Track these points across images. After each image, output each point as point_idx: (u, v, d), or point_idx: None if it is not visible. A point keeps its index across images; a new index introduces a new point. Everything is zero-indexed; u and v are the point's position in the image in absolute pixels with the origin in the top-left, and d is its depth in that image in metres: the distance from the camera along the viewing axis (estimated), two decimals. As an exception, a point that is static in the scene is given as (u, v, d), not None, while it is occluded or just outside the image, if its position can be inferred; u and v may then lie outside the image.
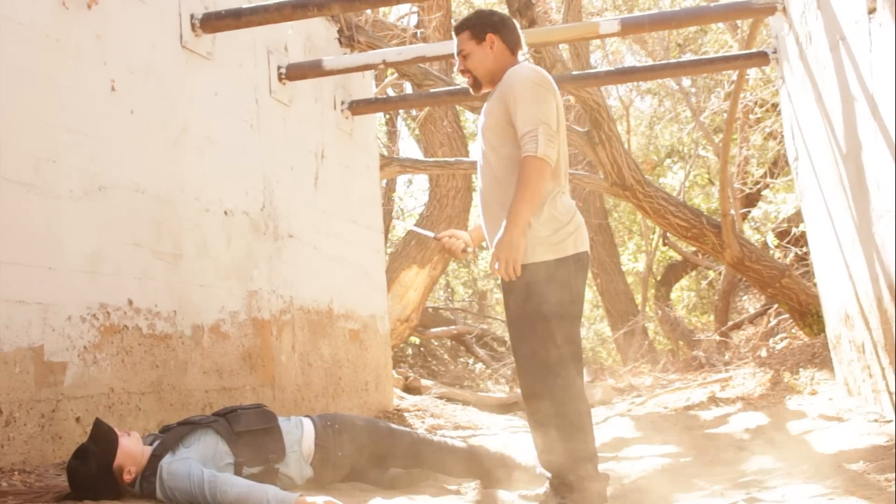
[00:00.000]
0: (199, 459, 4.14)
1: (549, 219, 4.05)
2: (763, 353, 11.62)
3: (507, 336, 15.90)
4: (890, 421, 5.57)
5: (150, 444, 4.30)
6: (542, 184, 3.96)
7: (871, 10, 4.89)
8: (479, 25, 4.32)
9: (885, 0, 4.66)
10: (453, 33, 4.42)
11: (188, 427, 4.34)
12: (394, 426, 4.96)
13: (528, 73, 4.13)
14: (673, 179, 18.37)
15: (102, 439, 4.06)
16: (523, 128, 4.00)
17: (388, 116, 15.48)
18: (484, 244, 4.41)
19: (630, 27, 7.51)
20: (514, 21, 4.41)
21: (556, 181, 4.12)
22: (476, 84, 4.37)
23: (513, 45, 4.33)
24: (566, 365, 3.97)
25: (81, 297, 5.07)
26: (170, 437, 4.27)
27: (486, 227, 4.23)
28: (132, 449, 4.15)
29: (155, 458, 4.16)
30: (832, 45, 5.83)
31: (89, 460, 4.00)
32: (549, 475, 4.11)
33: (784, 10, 7.17)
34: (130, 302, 5.44)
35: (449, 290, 20.16)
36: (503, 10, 15.56)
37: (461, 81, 16.50)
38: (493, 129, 4.19)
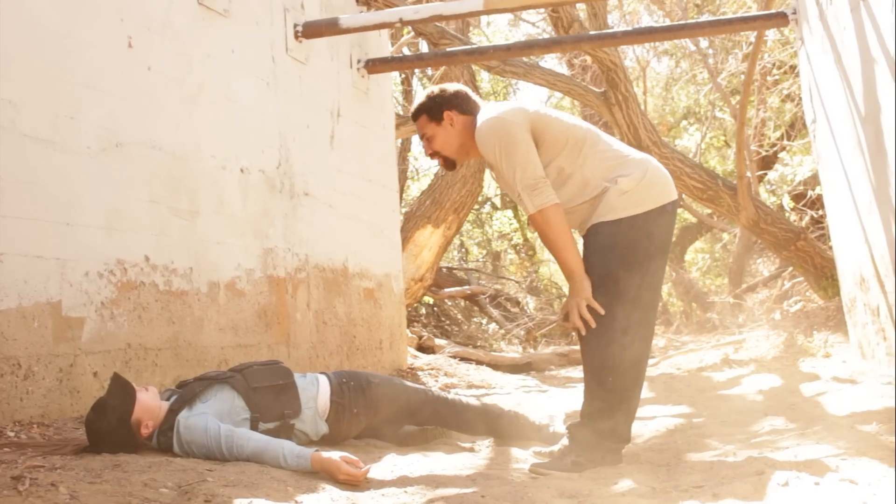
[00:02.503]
0: (216, 414, 4.18)
1: (626, 173, 4.09)
2: (777, 315, 11.63)
3: (519, 296, 15.91)
4: (903, 384, 5.58)
5: (168, 399, 4.34)
6: (556, 227, 4.02)
7: (893, -29, 4.85)
8: (434, 107, 4.34)
9: (908, -40, 4.62)
10: (412, 120, 4.44)
11: (205, 382, 4.38)
12: (408, 383, 5.00)
13: (486, 133, 4.14)
14: (689, 141, 18.30)
15: (120, 394, 4.10)
16: (510, 191, 4.12)
17: (403, 76, 15.43)
18: None
19: (648, -13, 7.46)
20: (465, 88, 4.40)
21: (578, 156, 4.15)
22: (448, 164, 4.41)
23: (470, 110, 4.34)
24: (628, 332, 4.01)
25: (99, 253, 5.09)
26: (187, 392, 4.30)
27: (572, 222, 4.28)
28: (150, 403, 4.19)
29: (172, 412, 4.19)
30: (853, 5, 5.78)
31: (107, 414, 4.04)
32: (572, 424, 4.15)
33: (804, -30, 7.11)
34: (147, 258, 5.47)
35: (463, 250, 20.16)
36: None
37: (478, 41, 16.40)
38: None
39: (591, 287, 4.02)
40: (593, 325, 3.99)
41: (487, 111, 4.23)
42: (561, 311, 4.15)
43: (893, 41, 5.04)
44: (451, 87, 4.43)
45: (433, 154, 4.39)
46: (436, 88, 4.42)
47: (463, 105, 4.35)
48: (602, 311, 3.97)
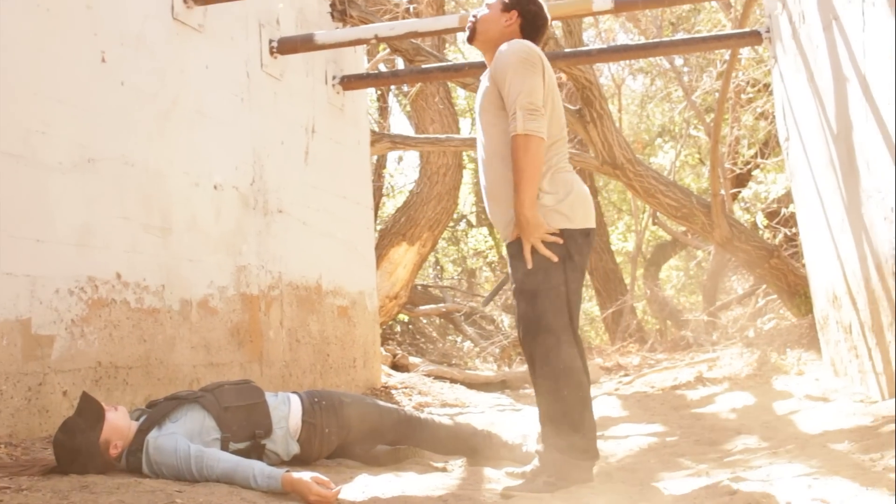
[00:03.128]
0: (186, 434, 4.14)
1: (551, 190, 4.08)
2: (751, 333, 11.65)
3: (495, 314, 15.88)
4: (875, 402, 5.59)
5: (137, 419, 4.29)
6: (532, 157, 3.98)
7: (865, -9, 4.88)
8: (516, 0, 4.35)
9: (879, -19, 4.65)
10: None
11: (175, 402, 4.34)
12: (381, 403, 4.97)
13: (514, 49, 4.16)
14: (664, 159, 18.38)
15: (89, 413, 4.05)
16: (510, 107, 4.04)
17: (379, 92, 15.43)
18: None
19: (623, 4, 7.49)
20: (546, 21, 4.41)
21: (548, 158, 4.13)
22: (472, 36, 4.41)
23: (528, 34, 4.35)
24: (567, 341, 4.03)
25: (70, 270, 5.05)
26: (156, 412, 4.26)
27: (488, 203, 4.26)
28: (119, 423, 4.14)
29: (141, 432, 4.15)
30: (825, 24, 5.82)
31: (76, 434, 3.99)
32: (538, 450, 4.14)
33: (777, -11, 7.16)
34: (119, 275, 5.43)
35: (438, 267, 20.16)
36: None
37: (453, 58, 16.40)
38: (486, 108, 4.23)
39: (530, 298, 4.04)
40: (554, 258, 3.99)
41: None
42: (525, 249, 4.08)
43: (865, 60, 5.06)
44: (544, 13, 4.41)
45: (474, 21, 4.39)
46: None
47: (529, 20, 4.36)
48: (559, 241, 4.00)
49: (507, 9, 4.34)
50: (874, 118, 4.96)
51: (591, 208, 4.23)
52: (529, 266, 4.02)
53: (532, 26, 4.36)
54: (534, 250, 4.02)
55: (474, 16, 4.40)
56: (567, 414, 4.03)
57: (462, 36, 13.46)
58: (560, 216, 4.07)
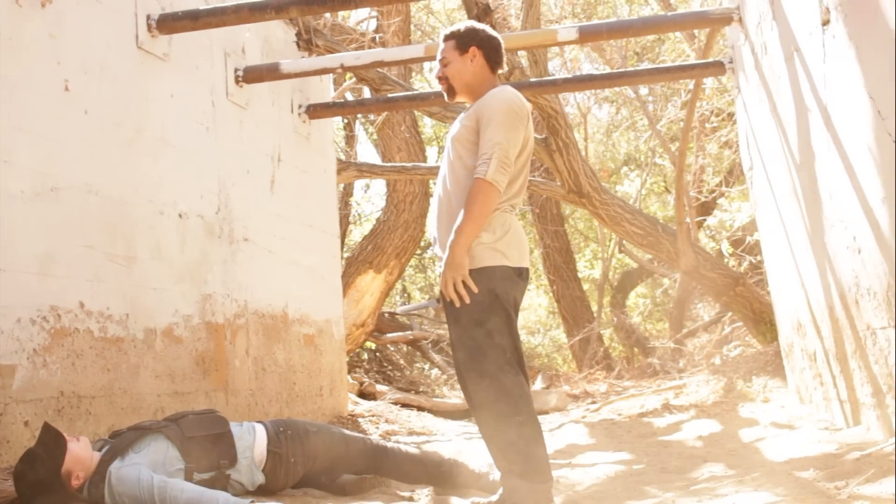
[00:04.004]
0: (149, 465, 4.10)
1: (489, 229, 4.12)
2: (717, 360, 11.70)
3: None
4: (840, 429, 5.62)
5: (100, 450, 4.25)
6: (487, 207, 4.06)
7: (825, 23, 4.94)
8: (466, 37, 4.39)
9: (839, 12, 4.71)
10: (441, 39, 4.48)
11: (138, 432, 4.30)
12: (347, 432, 4.94)
13: (508, 98, 4.22)
14: (629, 187, 18.47)
15: (51, 444, 4.01)
16: (484, 148, 4.10)
17: (346, 120, 15.44)
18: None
19: (588, 35, 7.55)
20: (500, 41, 4.45)
21: (514, 197, 4.22)
22: (450, 91, 4.44)
23: (494, 64, 4.41)
24: (504, 367, 4.04)
25: (32, 299, 5.00)
26: (119, 443, 4.22)
27: (439, 231, 4.27)
28: (81, 454, 4.09)
29: (104, 463, 4.10)
30: (787, 55, 5.88)
31: (37, 465, 3.94)
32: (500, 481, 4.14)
33: (740, 20, 7.24)
34: (82, 304, 5.38)
35: (405, 295, 20.13)
36: (462, 16, 15.58)
37: (419, 87, 16.47)
38: (461, 140, 4.26)
39: (466, 331, 4.07)
40: (468, 300, 4.01)
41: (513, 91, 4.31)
42: (441, 281, 4.10)
43: (826, 91, 5.12)
44: (494, 34, 4.46)
45: (441, 78, 4.42)
46: (480, 25, 4.45)
47: (490, 52, 4.39)
48: (475, 289, 4.01)
49: (464, 49, 4.38)
50: (836, 148, 5.02)
51: (525, 248, 4.29)
52: (458, 303, 4.03)
53: (494, 52, 4.40)
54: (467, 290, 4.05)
55: (441, 75, 4.42)
56: (519, 440, 4.02)
57: (428, 65, 13.48)
58: (497, 253, 4.11)
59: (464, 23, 4.51)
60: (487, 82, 4.36)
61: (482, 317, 4.05)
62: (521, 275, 4.22)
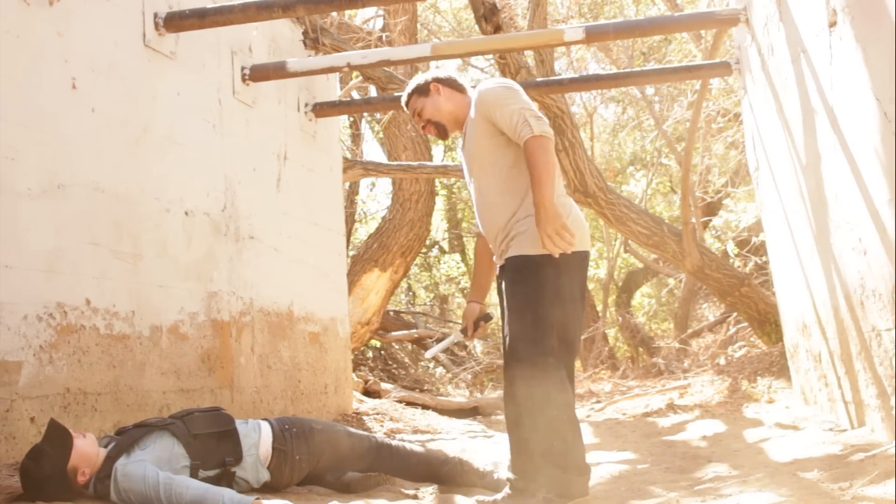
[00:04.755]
0: (155, 462, 4.11)
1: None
2: (722, 360, 11.71)
3: (466, 341, 15.94)
4: (844, 430, 5.62)
5: (106, 447, 4.26)
6: (552, 156, 4.09)
7: (832, 24, 4.94)
8: (420, 84, 4.55)
9: (846, 14, 4.71)
10: (404, 108, 4.65)
11: (144, 429, 4.31)
12: (352, 430, 4.95)
13: (493, 84, 4.33)
14: (635, 187, 18.47)
15: (57, 440, 4.02)
16: (512, 121, 4.14)
17: (352, 119, 15.45)
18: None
19: (595, 35, 7.55)
20: (449, 74, 4.60)
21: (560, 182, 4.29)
22: (441, 130, 4.54)
23: (458, 88, 4.54)
24: (556, 361, 4.09)
25: (38, 296, 5.01)
26: (125, 440, 4.23)
27: (495, 248, 4.35)
28: (87, 450, 4.11)
29: (110, 459, 4.12)
30: (793, 57, 5.88)
31: (43, 461, 3.96)
32: (511, 477, 4.15)
33: (747, 21, 7.23)
34: (88, 301, 5.39)
35: (410, 293, 20.14)
36: (469, 15, 15.58)
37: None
38: (483, 150, 4.33)
39: (517, 319, 4.10)
40: (574, 245, 4.03)
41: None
42: (542, 239, 4.06)
43: (832, 92, 5.12)
44: (440, 72, 4.62)
45: (425, 125, 4.53)
46: (419, 74, 4.62)
47: (448, 81, 4.53)
48: (573, 234, 4.01)
49: (426, 93, 4.52)
50: (842, 150, 5.02)
51: (587, 232, 4.34)
52: (569, 252, 4.05)
53: (452, 80, 4.55)
54: (537, 278, 4.09)
55: (423, 122, 4.53)
56: (559, 432, 4.06)
57: (435, 63, 13.48)
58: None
59: (407, 86, 4.64)
60: (464, 103, 4.48)
61: (539, 305, 4.10)
62: (584, 258, 4.26)
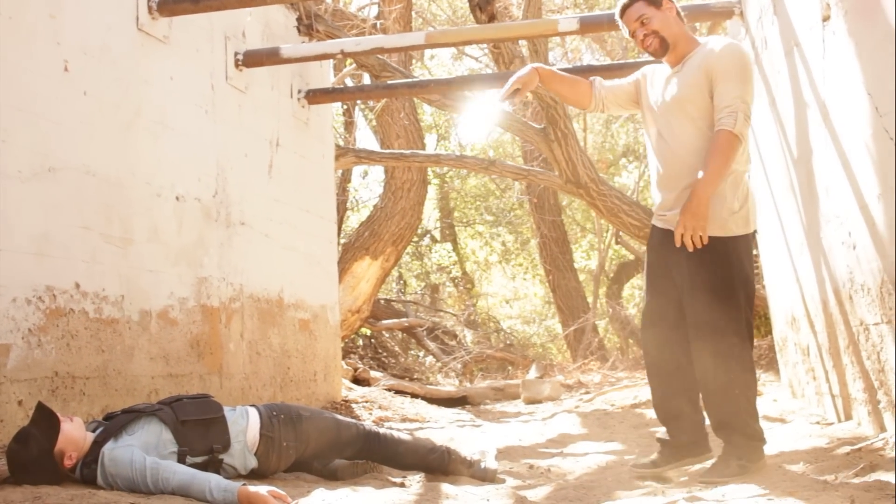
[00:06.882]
0: (142, 447, 4.11)
1: (742, 195, 4.32)
2: (711, 353, 11.70)
3: (457, 329, 15.88)
4: (831, 423, 5.64)
5: (93, 431, 4.25)
6: (733, 159, 4.18)
7: (826, 18, 4.94)
8: None
9: (839, 8, 4.71)
10: (620, 13, 4.53)
11: (132, 415, 4.30)
12: (340, 417, 4.95)
13: (741, 51, 4.37)
14: (627, 179, 18.49)
15: (44, 423, 4.02)
16: (725, 102, 4.22)
17: (345, 106, 15.43)
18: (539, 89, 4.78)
19: (589, 25, 7.54)
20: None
21: (748, 162, 4.42)
22: (663, 45, 4.48)
23: (681, 15, 4.52)
24: (747, 338, 4.35)
25: (27, 279, 5.01)
26: (113, 425, 4.23)
27: (673, 191, 4.43)
28: (74, 434, 4.10)
29: (97, 444, 4.11)
30: (787, 50, 5.88)
31: (30, 444, 3.95)
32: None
33: (741, 14, 7.24)
34: (77, 285, 5.39)
35: (401, 282, 20.14)
36: (463, 3, 15.53)
37: (419, 74, 16.35)
38: (693, 100, 4.35)
39: (715, 301, 4.28)
40: (699, 245, 4.20)
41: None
42: (678, 229, 4.22)
43: (824, 86, 5.13)
44: None
45: (648, 35, 4.46)
46: None
47: (675, 3, 4.51)
48: (706, 241, 4.20)
49: (658, 4, 4.45)
50: (833, 144, 5.02)
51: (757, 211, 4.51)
52: (690, 248, 4.22)
53: (680, 12, 4.51)
54: (725, 252, 4.28)
55: (649, 31, 4.45)
56: (750, 403, 4.35)
57: (429, 52, 13.41)
58: (743, 221, 4.34)
59: None
60: (686, 35, 4.46)
61: (729, 289, 4.28)
62: (753, 237, 4.45)
